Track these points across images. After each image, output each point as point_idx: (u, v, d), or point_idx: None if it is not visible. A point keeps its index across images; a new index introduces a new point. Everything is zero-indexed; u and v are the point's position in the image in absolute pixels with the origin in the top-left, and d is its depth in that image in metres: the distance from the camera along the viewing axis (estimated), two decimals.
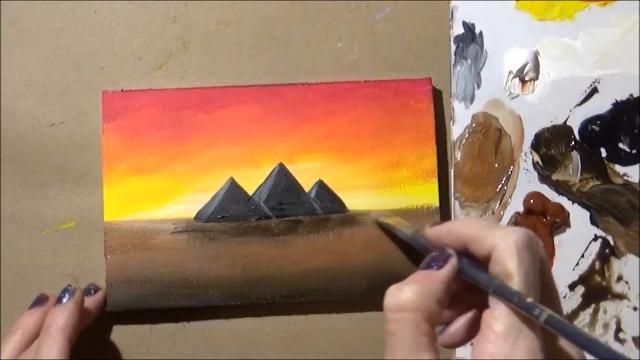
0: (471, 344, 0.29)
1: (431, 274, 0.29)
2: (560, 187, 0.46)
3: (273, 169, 0.44)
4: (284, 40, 0.46)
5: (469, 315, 0.31)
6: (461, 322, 0.32)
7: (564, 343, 0.29)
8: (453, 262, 0.30)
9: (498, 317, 0.28)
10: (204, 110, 0.44)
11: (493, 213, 0.46)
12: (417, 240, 0.36)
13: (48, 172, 0.45)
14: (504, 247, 0.28)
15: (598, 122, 0.46)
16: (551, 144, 0.46)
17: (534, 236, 0.29)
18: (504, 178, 0.46)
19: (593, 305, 0.46)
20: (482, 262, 0.29)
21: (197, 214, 0.44)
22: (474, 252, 0.30)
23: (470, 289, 0.30)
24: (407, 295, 0.28)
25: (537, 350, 0.27)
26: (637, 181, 0.46)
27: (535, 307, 0.27)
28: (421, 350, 0.27)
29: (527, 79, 0.46)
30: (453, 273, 0.29)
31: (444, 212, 0.45)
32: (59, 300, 0.40)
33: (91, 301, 0.42)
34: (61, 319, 0.39)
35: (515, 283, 0.27)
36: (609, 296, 0.46)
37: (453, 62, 0.46)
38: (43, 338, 0.38)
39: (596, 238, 0.46)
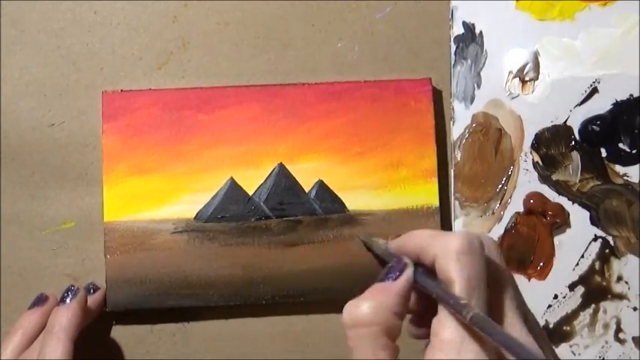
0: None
1: (386, 287, 0.29)
2: (560, 187, 0.46)
3: (273, 169, 0.44)
4: (284, 40, 0.46)
5: None
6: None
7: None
8: (408, 273, 0.30)
9: (444, 324, 0.27)
10: (204, 110, 0.44)
11: (493, 213, 0.46)
12: (386, 253, 0.36)
13: (48, 172, 0.45)
14: (444, 254, 0.28)
15: (598, 122, 0.46)
16: (551, 144, 0.46)
17: (476, 240, 0.29)
18: (504, 178, 0.46)
19: (593, 305, 0.46)
20: (433, 270, 0.29)
21: (197, 214, 0.44)
22: (423, 262, 0.30)
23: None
24: (363, 310, 0.28)
25: (485, 358, 0.26)
26: (637, 181, 0.46)
27: (463, 307, 0.26)
28: None
29: (527, 79, 0.46)
30: (408, 284, 0.30)
31: (444, 212, 0.45)
32: (62, 300, 0.40)
33: (91, 300, 0.42)
34: (64, 319, 0.39)
35: (457, 288, 0.27)
36: (609, 296, 0.46)
37: (453, 62, 0.46)
38: (47, 338, 0.38)
39: (596, 238, 0.46)
